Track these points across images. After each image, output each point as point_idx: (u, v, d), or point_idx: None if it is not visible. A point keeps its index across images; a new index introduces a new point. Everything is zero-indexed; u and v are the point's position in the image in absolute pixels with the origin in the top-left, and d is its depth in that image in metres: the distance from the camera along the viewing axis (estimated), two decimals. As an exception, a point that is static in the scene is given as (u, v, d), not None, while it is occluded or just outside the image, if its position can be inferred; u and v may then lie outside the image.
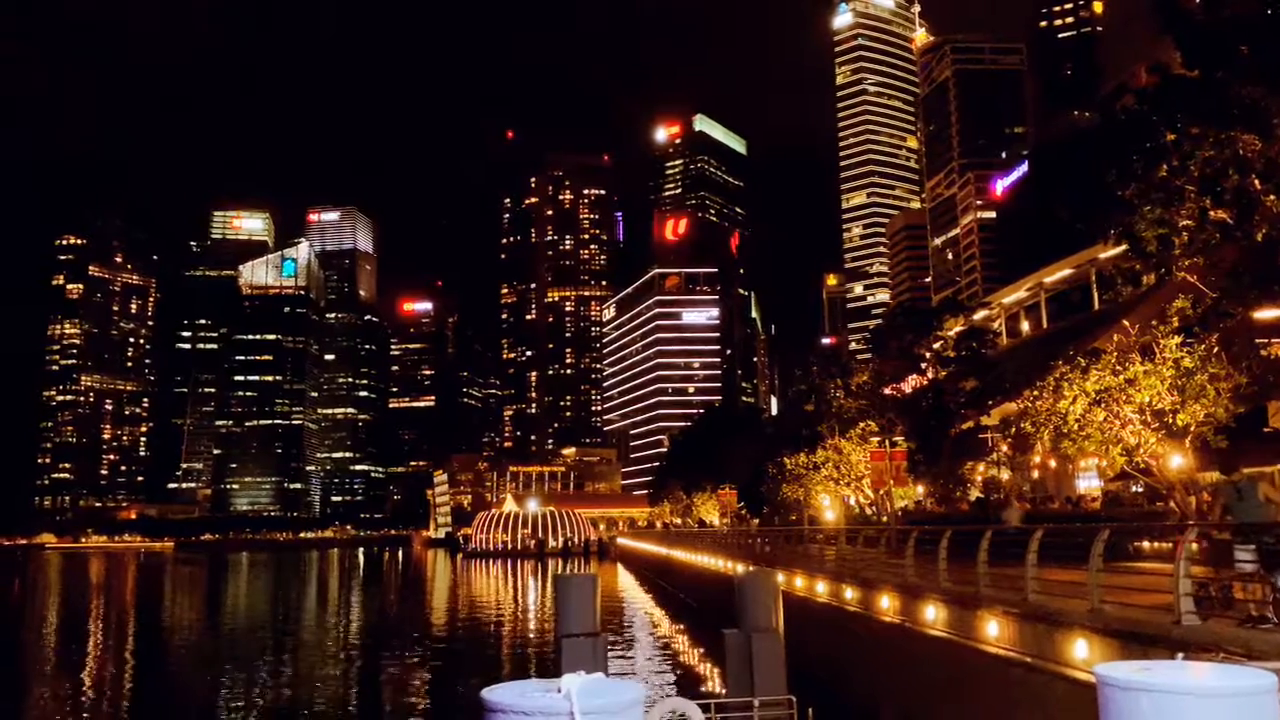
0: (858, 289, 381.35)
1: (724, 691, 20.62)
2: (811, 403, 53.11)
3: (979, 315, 58.54)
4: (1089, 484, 41.68)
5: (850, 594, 27.45)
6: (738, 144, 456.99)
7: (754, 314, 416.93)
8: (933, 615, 20.91)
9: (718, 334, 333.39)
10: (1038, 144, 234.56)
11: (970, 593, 19.33)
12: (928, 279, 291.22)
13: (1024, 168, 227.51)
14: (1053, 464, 42.83)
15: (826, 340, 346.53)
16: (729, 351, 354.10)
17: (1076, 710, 14.24)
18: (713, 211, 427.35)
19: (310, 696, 33.51)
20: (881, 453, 40.87)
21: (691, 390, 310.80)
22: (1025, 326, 62.38)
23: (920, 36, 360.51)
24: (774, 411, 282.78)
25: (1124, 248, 23.69)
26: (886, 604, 24.04)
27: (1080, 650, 14.62)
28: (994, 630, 17.83)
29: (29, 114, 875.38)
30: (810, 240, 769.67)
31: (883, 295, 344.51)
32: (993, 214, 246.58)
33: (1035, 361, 38.29)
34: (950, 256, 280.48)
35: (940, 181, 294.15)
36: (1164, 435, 22.46)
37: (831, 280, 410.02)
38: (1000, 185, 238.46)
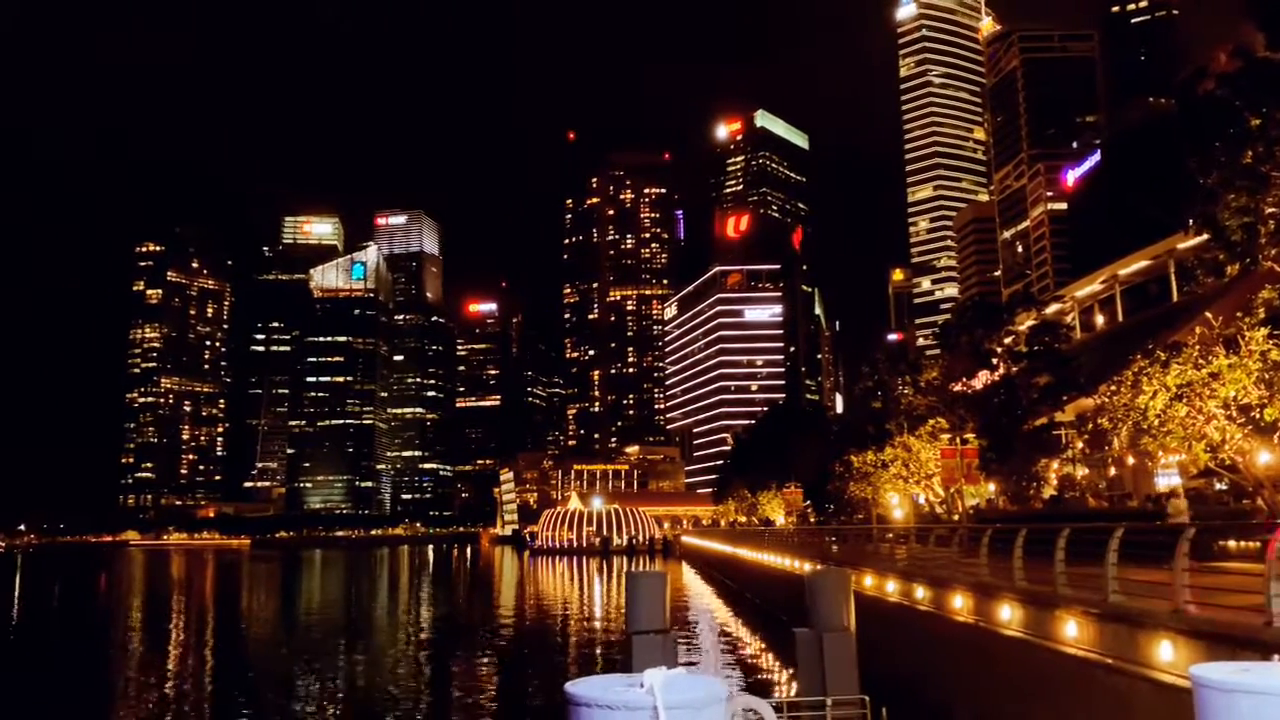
0: (925, 284, 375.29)
1: (794, 690, 20.50)
2: (879, 400, 52.53)
3: (1051, 309, 57.24)
4: (1169, 481, 40.39)
5: (922, 593, 27.06)
6: (800, 139, 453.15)
7: (818, 310, 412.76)
8: (1008, 615, 20.52)
9: (781, 331, 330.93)
10: (1111, 132, 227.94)
11: (1047, 592, 18.92)
12: (997, 273, 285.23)
13: (1096, 157, 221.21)
14: (1131, 461, 41.61)
15: (893, 336, 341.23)
16: (793, 349, 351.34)
17: (1160, 713, 13.86)
18: (775, 208, 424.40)
19: (384, 691, 34.19)
20: (952, 450, 40.17)
21: (755, 388, 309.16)
22: (1100, 320, 60.73)
23: (986, 26, 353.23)
24: (839, 409, 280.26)
25: (1205, 237, 22.96)
26: (960, 603, 23.65)
27: (1165, 652, 14.22)
28: (1073, 631, 17.43)
29: (109, 123, 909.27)
30: (875, 235, 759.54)
31: (951, 290, 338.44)
32: (1064, 205, 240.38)
33: (1111, 356, 37.31)
34: (1020, 249, 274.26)
35: (1009, 173, 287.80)
36: (1251, 431, 21.69)
37: (897, 275, 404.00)
38: (1071, 176, 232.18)
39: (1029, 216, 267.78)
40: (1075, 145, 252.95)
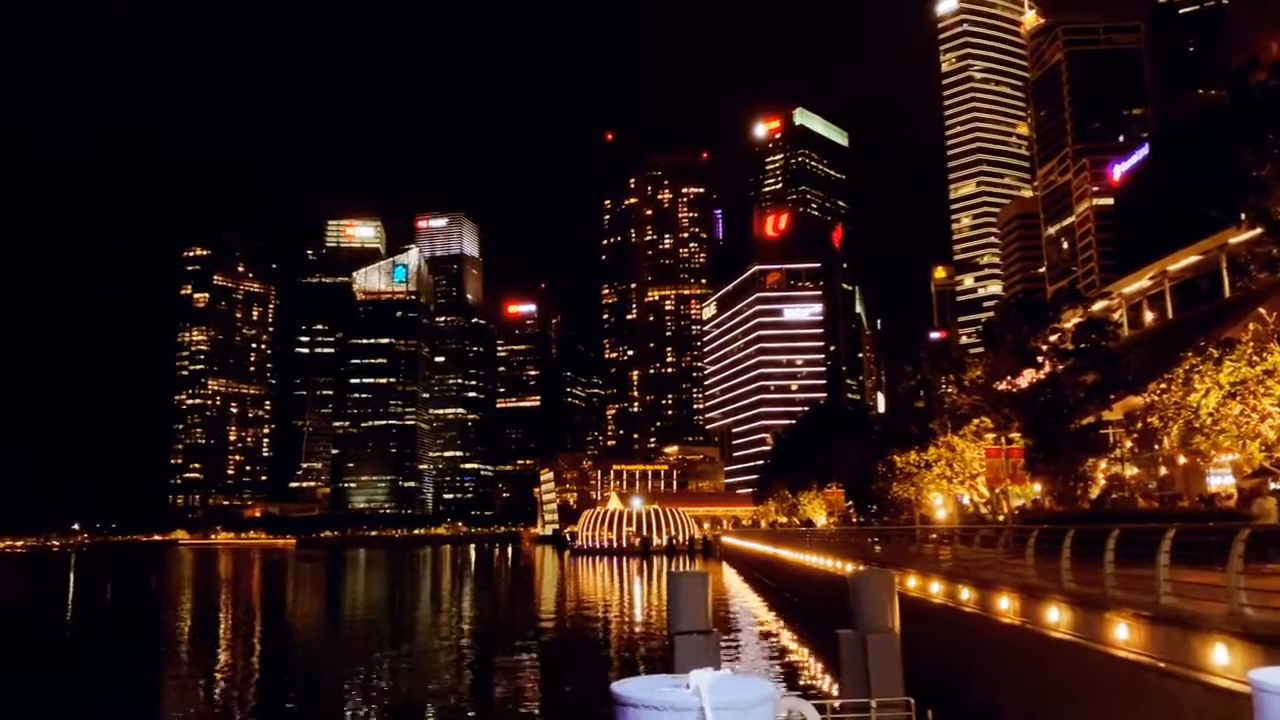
0: (968, 281, 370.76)
1: (838, 692, 20.36)
2: (922, 399, 52.06)
3: (1098, 306, 56.22)
4: (1222, 481, 39.51)
5: (967, 594, 26.75)
6: (839, 136, 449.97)
7: (859, 309, 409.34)
8: (1056, 617, 20.20)
9: (821, 330, 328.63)
10: (1159, 125, 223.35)
11: (1096, 594, 18.60)
12: (1041, 269, 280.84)
13: (1144, 151, 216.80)
14: (1182, 460, 40.76)
15: (936, 335, 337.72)
16: (833, 348, 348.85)
17: (1214, 718, 13.56)
18: (814, 206, 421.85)
19: (427, 689, 34.51)
20: (997, 450, 39.68)
21: (795, 388, 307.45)
22: (1149, 317, 59.57)
23: (1029, 19, 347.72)
24: (881, 409, 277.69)
25: (1259, 231, 22.44)
26: (1006, 605, 23.34)
27: (1220, 656, 13.91)
28: (1123, 633, 17.11)
29: (154, 130, 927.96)
30: (917, 232, 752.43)
31: (994, 287, 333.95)
32: (1110, 200, 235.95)
33: (1161, 353, 36.61)
34: (1065, 246, 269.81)
35: (1053, 168, 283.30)
36: (1308, 429, 21.15)
37: (940, 273, 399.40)
38: (1118, 170, 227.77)
39: (1074, 212, 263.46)
40: (1122, 139, 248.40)
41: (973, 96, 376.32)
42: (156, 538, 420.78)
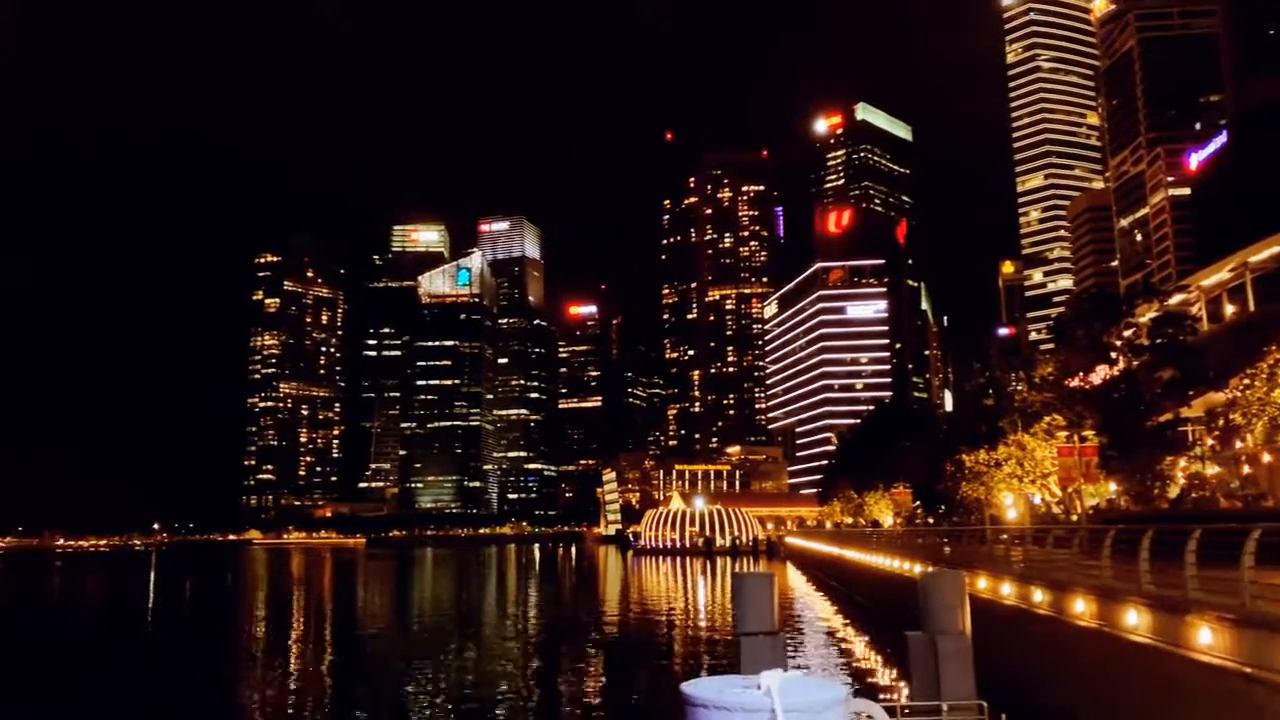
0: (1037, 276, 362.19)
1: (907, 695, 20.07)
2: (990, 397, 51.09)
3: (1175, 300, 54.53)
4: (1311, 480, 38.00)
5: (1040, 596, 26.15)
6: (903, 131, 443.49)
7: (924, 306, 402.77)
8: (1134, 620, 19.63)
9: (886, 327, 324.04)
10: (1237, 112, 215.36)
11: (1177, 597, 18.03)
12: (1114, 263, 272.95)
13: (1222, 139, 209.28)
14: (1267, 459, 39.28)
15: (1004, 331, 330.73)
16: (898, 345, 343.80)
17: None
18: (877, 201, 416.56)
19: (494, 686, 34.90)
20: (1070, 448, 38.71)
21: (859, 386, 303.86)
22: (1229, 310, 57.49)
23: (1099, 6, 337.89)
24: (949, 407, 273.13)
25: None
26: (1081, 607, 22.76)
27: (1310, 661, 13.37)
28: (1206, 638, 16.56)
29: (224, 140, 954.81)
30: (984, 227, 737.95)
31: (1065, 282, 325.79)
32: (1186, 190, 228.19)
33: (1243, 347, 35.33)
34: (1139, 238, 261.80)
35: (1126, 159, 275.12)
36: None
37: (1008, 267, 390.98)
38: (1195, 159, 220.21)
39: (1148, 203, 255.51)
40: (1198, 127, 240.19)
41: (1040, 87, 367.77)
42: (231, 537, 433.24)
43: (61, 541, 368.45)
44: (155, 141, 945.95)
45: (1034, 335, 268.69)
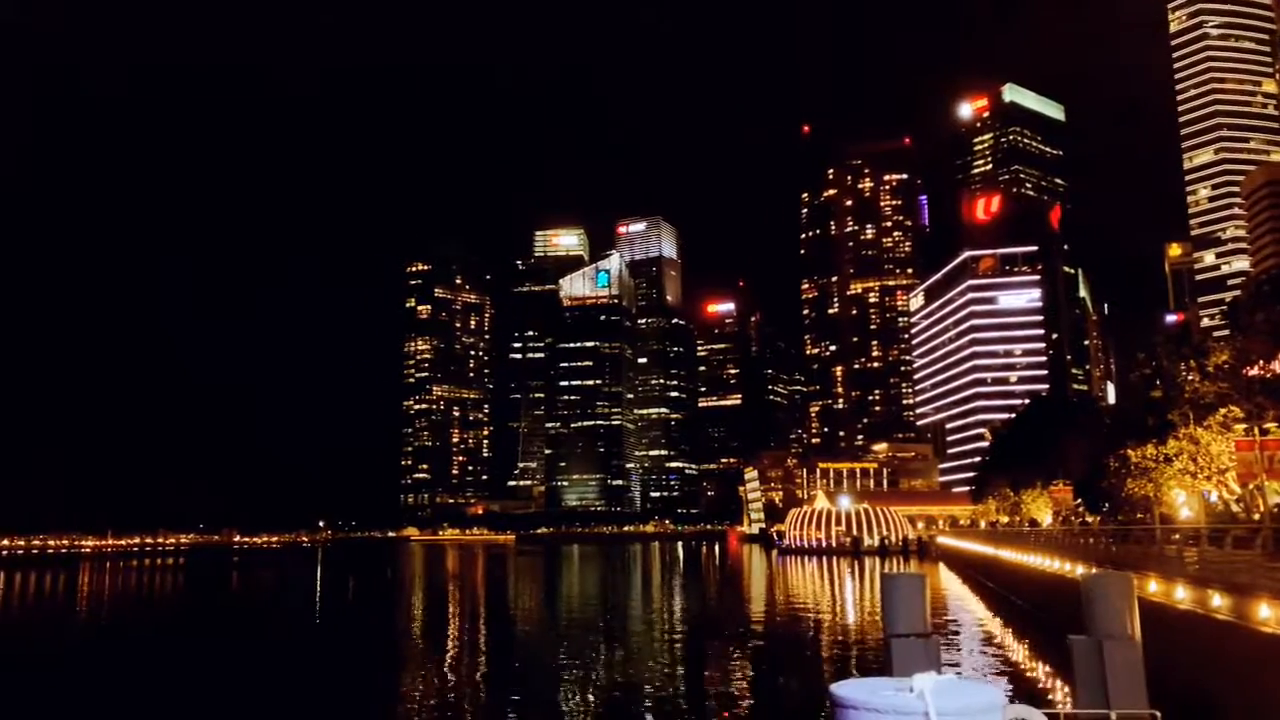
0: (1208, 258, 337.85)
1: (1070, 702, 19.10)
2: (1158, 388, 48.01)
3: (1371, 278, 49.69)
4: None
5: (1218, 600, 24.43)
6: (1054, 110, 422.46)
7: (1083, 293, 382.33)
8: (1329, 628, 18.07)
9: (1040, 317, 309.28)
10: None
11: (1379, 604, 16.48)
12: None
13: None
14: None
15: (1172, 317, 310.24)
16: (1055, 335, 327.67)
17: None
18: (1029, 185, 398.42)
19: (641, 681, 35.29)
20: (1249, 442, 35.89)
21: (1013, 379, 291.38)
22: None
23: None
24: (1111, 399, 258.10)
25: None
26: (1267, 613, 21.13)
27: None
28: None
29: (377, 151, 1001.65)
30: (1147, 207, 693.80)
31: (1240, 263, 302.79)
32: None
33: None
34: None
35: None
36: None
37: (1175, 250, 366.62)
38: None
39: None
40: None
41: (1208, 56, 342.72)
42: (390, 534, 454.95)
43: (238, 538, 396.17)
44: (314, 153, 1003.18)
45: (1206, 321, 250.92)
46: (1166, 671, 22.64)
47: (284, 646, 49.91)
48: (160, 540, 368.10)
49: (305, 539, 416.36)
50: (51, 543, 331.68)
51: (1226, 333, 46.21)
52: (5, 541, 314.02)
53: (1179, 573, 29.12)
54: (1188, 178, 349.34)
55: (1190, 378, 42.46)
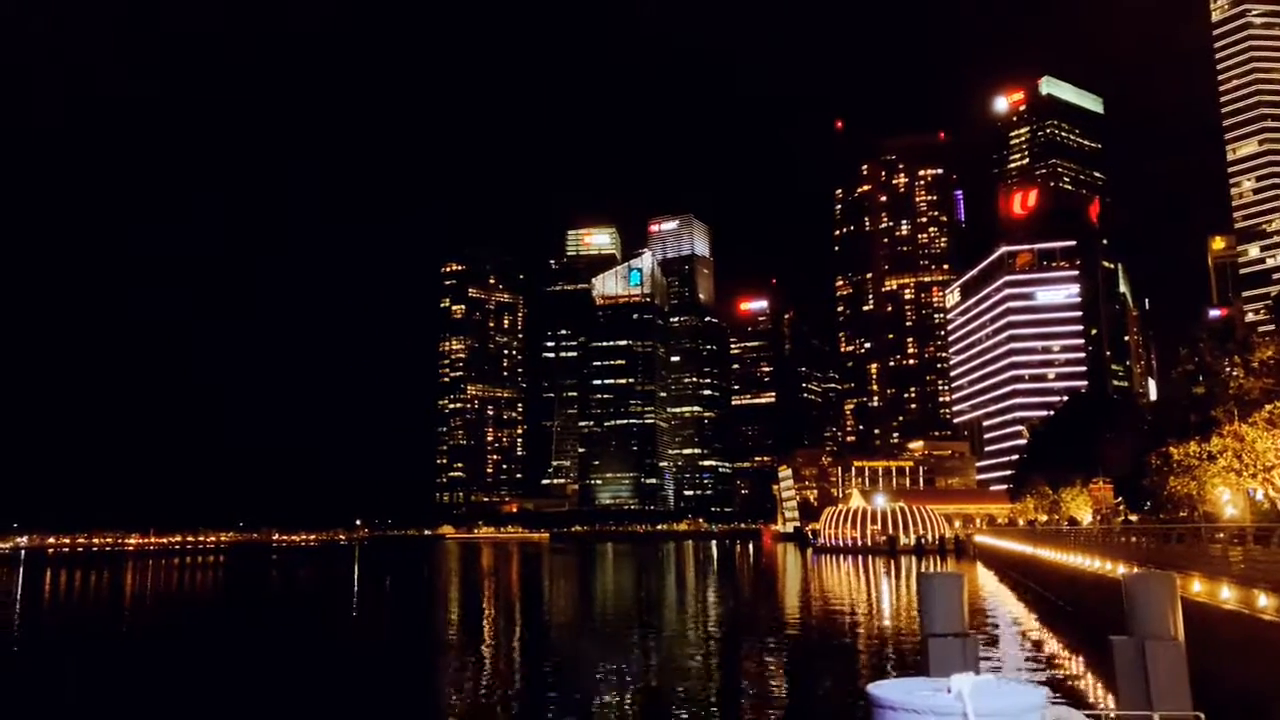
0: (1253, 251, 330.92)
1: (1112, 703, 18.81)
2: (1201, 384, 47.15)
3: None
4: None
5: (1265, 601, 23.95)
6: (1092, 103, 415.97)
7: (1123, 288, 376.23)
8: (1380, 630, 17.64)
9: (1079, 313, 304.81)
10: None
11: None
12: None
13: None
14: None
15: (1215, 312, 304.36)
16: (1094, 331, 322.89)
17: None
18: (1066, 180, 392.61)
19: (676, 680, 35.26)
20: (1296, 439, 35.16)
21: (1051, 376, 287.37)
22: None
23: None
24: (1153, 396, 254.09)
25: None
26: (1315, 614, 20.66)
27: None
28: None
29: (414, 154, 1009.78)
30: (1189, 200, 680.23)
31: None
32: None
33: None
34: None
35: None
36: None
37: (1218, 243, 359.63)
38: None
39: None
40: None
41: (1250, 45, 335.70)
42: (426, 532, 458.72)
43: (277, 536, 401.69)
44: (351, 157, 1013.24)
45: (1250, 316, 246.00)
46: (1211, 673, 22.26)
47: (324, 642, 50.51)
48: (201, 538, 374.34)
49: (342, 537, 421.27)
50: (96, 541, 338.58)
51: (1272, 327, 45.25)
52: (52, 540, 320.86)
53: (1223, 572, 28.59)
54: (1231, 170, 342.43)
55: (1234, 373, 41.66)
